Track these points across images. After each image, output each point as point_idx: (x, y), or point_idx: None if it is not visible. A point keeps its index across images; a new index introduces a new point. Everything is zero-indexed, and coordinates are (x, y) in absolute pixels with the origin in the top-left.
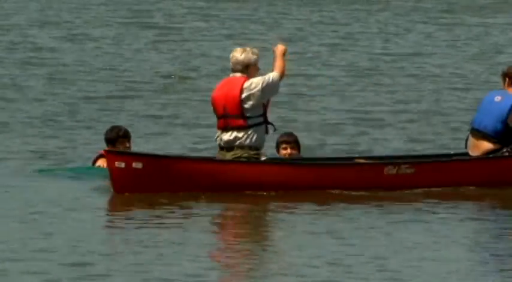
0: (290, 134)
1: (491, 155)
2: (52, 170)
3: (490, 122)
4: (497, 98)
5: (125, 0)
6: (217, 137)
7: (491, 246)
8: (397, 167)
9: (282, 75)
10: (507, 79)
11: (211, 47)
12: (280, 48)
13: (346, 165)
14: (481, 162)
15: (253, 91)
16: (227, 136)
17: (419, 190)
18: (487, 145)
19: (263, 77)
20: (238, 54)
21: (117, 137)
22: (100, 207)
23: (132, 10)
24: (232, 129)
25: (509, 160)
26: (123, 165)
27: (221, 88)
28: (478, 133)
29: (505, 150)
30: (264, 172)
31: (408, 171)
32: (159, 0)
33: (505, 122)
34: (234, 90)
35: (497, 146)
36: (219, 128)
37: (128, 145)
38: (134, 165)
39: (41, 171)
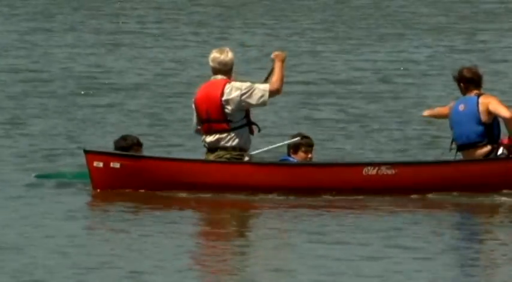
0: (309, 138)
1: (477, 158)
2: (49, 175)
3: (469, 131)
4: (461, 107)
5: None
6: (203, 139)
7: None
8: (377, 168)
9: (277, 92)
10: (462, 85)
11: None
12: (280, 56)
13: (325, 165)
14: (465, 165)
15: (231, 96)
16: (210, 138)
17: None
18: (479, 152)
19: (247, 84)
20: (224, 56)
21: (131, 145)
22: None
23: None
24: (215, 132)
25: (494, 163)
26: (101, 164)
27: (203, 92)
28: (465, 146)
29: (500, 152)
30: (242, 172)
31: (389, 172)
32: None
33: (481, 123)
34: (215, 94)
35: (489, 147)
36: (203, 131)
37: (141, 153)
38: (112, 165)
39: (37, 176)
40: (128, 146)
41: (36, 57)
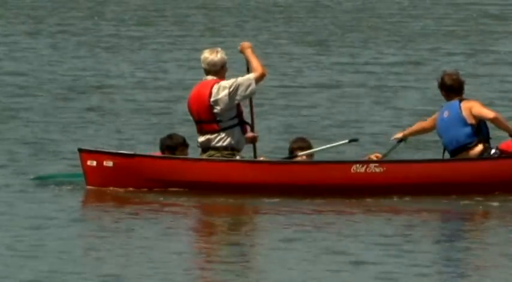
0: (303, 139)
1: (465, 157)
2: (45, 177)
3: (457, 135)
4: (446, 114)
5: None
6: (199, 140)
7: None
8: (365, 166)
9: (262, 76)
10: (443, 92)
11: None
12: (246, 45)
13: (313, 163)
14: (453, 164)
15: (219, 96)
16: (202, 138)
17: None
18: (472, 153)
19: (232, 81)
20: (214, 56)
21: (177, 145)
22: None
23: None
24: (206, 133)
25: (481, 162)
26: (94, 163)
27: (194, 93)
28: (457, 151)
29: (493, 151)
30: (232, 170)
31: (377, 170)
32: None
33: (468, 125)
34: (203, 95)
35: (480, 147)
36: (197, 131)
37: (187, 153)
38: (105, 163)
39: (36, 178)
40: (173, 145)
41: (21, 60)
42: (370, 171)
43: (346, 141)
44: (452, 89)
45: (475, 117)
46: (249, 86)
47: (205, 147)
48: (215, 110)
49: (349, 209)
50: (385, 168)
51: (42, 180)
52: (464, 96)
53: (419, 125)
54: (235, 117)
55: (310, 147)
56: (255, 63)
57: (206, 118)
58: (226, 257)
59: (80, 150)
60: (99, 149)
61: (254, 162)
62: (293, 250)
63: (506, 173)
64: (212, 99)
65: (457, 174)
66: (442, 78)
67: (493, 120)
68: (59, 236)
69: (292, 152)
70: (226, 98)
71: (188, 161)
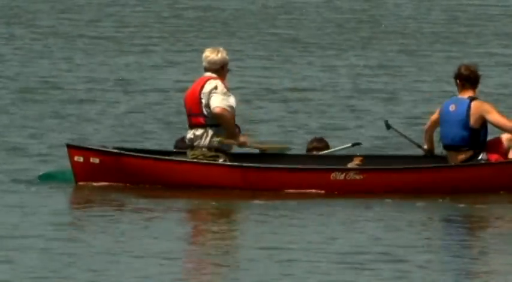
0: (320, 140)
1: (449, 164)
2: (53, 175)
3: (455, 133)
4: (452, 107)
5: None
6: (187, 136)
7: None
8: (345, 173)
9: (220, 116)
10: (458, 82)
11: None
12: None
13: (293, 170)
14: (431, 172)
15: (206, 90)
16: (189, 134)
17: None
18: (460, 157)
19: (220, 90)
20: (214, 55)
21: (322, 148)
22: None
23: None
24: (194, 126)
25: (459, 169)
26: (81, 159)
27: (190, 87)
28: (449, 147)
29: (480, 157)
30: (214, 172)
31: (357, 177)
32: None
33: (468, 128)
34: (196, 88)
35: (470, 153)
36: (188, 126)
37: None
38: (92, 160)
39: (41, 177)
40: (321, 147)
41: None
42: (349, 178)
43: (350, 145)
44: (468, 79)
45: (480, 119)
46: (217, 107)
47: (191, 144)
48: (202, 104)
49: (341, 212)
50: (365, 176)
51: (49, 179)
52: (477, 92)
53: (433, 120)
54: None
55: (326, 148)
56: (231, 130)
57: (195, 111)
58: (213, 258)
59: (68, 146)
60: (86, 146)
61: (233, 167)
62: (277, 252)
63: (484, 180)
64: (203, 91)
65: (436, 181)
66: (459, 69)
67: (510, 131)
68: (41, 233)
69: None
70: (207, 95)
71: (169, 161)
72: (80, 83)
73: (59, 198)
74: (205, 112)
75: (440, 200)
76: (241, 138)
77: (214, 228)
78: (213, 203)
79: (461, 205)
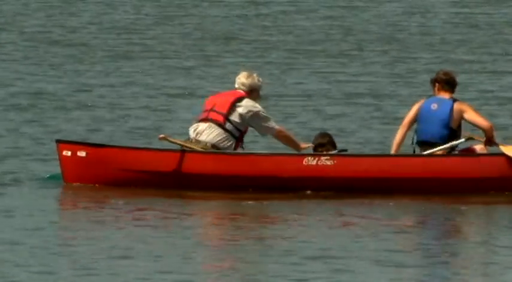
0: (324, 135)
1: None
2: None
3: (435, 131)
4: (434, 106)
5: None
6: (193, 128)
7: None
8: (317, 158)
9: (280, 137)
10: (437, 84)
11: None
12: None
13: (267, 155)
14: (401, 159)
15: (241, 107)
16: (200, 127)
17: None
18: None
19: (253, 107)
20: (244, 79)
21: (326, 143)
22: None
23: None
24: (207, 121)
25: (430, 159)
26: (69, 153)
27: (223, 92)
28: (426, 143)
29: (456, 152)
30: (199, 161)
31: (328, 162)
32: None
33: (449, 127)
34: (232, 94)
35: (445, 151)
36: (199, 120)
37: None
38: (79, 153)
39: (50, 177)
40: (324, 143)
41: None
42: (321, 163)
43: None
44: (447, 82)
45: (460, 119)
46: (266, 127)
47: (194, 136)
48: (233, 111)
49: (336, 210)
50: (335, 161)
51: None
52: (454, 96)
53: (407, 128)
54: (239, 131)
55: (329, 143)
56: (290, 140)
57: (219, 109)
58: (205, 256)
59: (58, 141)
60: (73, 140)
61: (208, 153)
62: (270, 248)
63: (454, 171)
64: (239, 104)
65: (406, 169)
66: (438, 73)
67: (487, 131)
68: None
69: (315, 149)
70: (244, 114)
71: (158, 151)
72: (79, 88)
73: (47, 199)
74: (232, 118)
75: (440, 203)
76: (302, 145)
77: (213, 228)
78: (210, 203)
79: (463, 207)
